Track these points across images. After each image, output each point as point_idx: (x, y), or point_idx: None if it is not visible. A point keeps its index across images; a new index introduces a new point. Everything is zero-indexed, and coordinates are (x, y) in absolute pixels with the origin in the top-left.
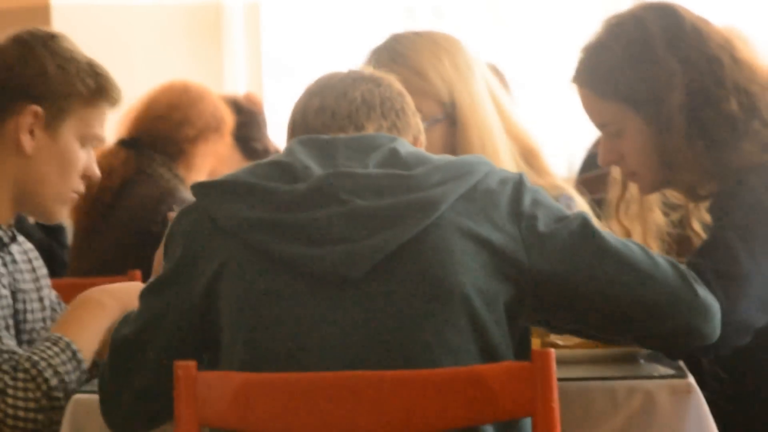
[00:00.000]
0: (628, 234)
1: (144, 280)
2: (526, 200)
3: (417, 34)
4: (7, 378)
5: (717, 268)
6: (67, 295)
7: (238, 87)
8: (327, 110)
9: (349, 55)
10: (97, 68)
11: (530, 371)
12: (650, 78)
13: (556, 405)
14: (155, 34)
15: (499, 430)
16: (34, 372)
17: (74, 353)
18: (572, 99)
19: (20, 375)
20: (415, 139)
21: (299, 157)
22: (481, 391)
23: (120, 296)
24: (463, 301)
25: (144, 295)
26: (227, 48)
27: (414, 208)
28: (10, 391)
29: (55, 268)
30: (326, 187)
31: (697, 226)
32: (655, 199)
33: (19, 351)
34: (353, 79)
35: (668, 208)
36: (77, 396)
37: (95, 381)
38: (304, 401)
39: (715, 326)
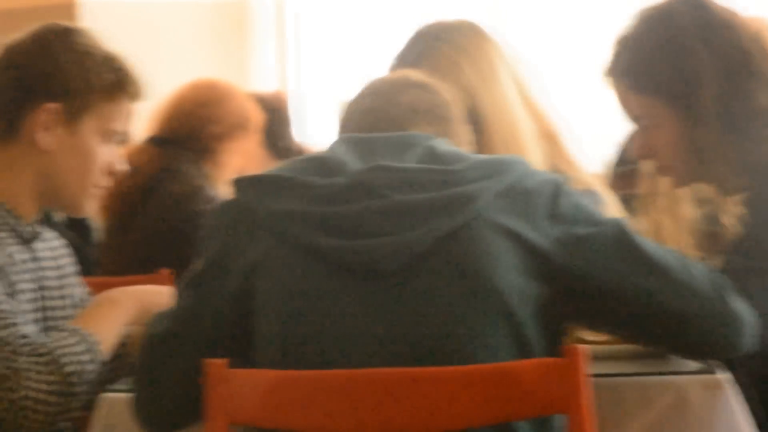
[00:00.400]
0: (658, 227)
1: (174, 278)
2: (564, 203)
3: (438, 38)
4: (22, 359)
5: (756, 266)
6: (95, 293)
7: (264, 84)
8: (374, 112)
9: (377, 51)
10: (116, 62)
11: (562, 367)
12: (682, 71)
13: (588, 401)
14: (182, 30)
15: (532, 426)
16: (50, 357)
17: (90, 345)
18: (606, 94)
19: (38, 359)
20: (460, 146)
21: (338, 152)
22: (513, 387)
23: (138, 297)
24: (499, 297)
25: (179, 291)
26: (254, 44)
27: (451, 204)
28: (24, 373)
29: (83, 267)
30: (364, 181)
31: (726, 220)
32: (685, 193)
33: (38, 338)
34: (402, 84)
35: (698, 202)
36: (107, 394)
37: (125, 380)
38: (337, 398)
39: (747, 338)
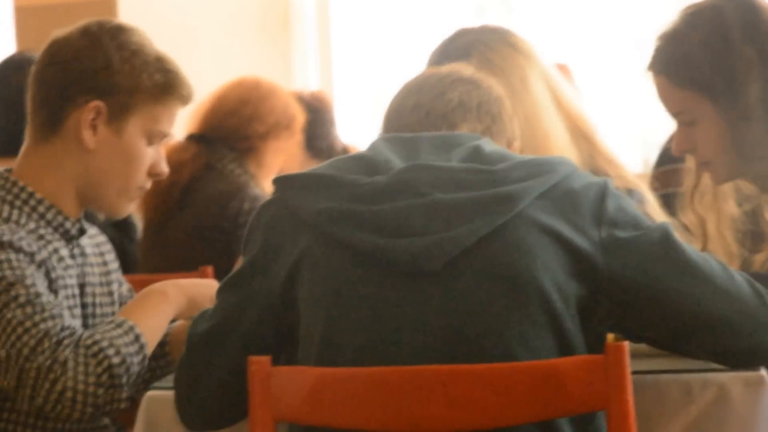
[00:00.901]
0: (702, 223)
1: (216, 277)
2: (609, 206)
3: (467, 52)
4: (67, 351)
5: None
6: (137, 290)
7: (307, 81)
8: (422, 109)
9: (418, 51)
10: (167, 63)
11: (604, 364)
12: (727, 68)
13: (630, 398)
14: (224, 27)
15: (574, 424)
16: (95, 349)
17: (137, 336)
18: (648, 94)
19: (82, 350)
20: (509, 143)
21: (381, 151)
22: (554, 384)
23: (187, 289)
24: (541, 296)
25: (222, 290)
26: (297, 42)
27: (494, 203)
28: (71, 365)
29: (125, 265)
30: (406, 179)
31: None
32: (729, 189)
33: (81, 329)
34: (453, 79)
35: (741, 199)
36: (151, 393)
37: (169, 377)
38: (379, 395)
39: None
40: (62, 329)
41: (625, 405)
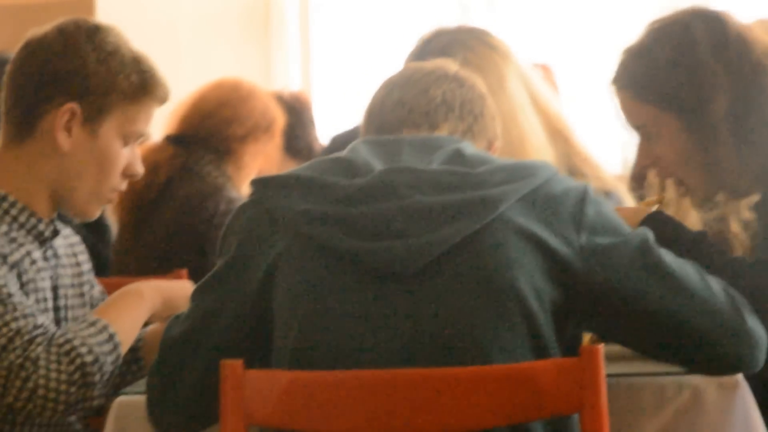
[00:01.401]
0: None
1: (190, 279)
2: (589, 211)
3: (444, 52)
4: (39, 349)
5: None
6: (109, 293)
7: (288, 81)
8: (405, 105)
9: (400, 52)
10: (143, 64)
11: (578, 367)
12: (694, 83)
13: (604, 401)
14: (204, 28)
15: (548, 427)
16: (68, 347)
17: (111, 335)
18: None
19: (54, 349)
20: (489, 143)
21: (361, 153)
22: (529, 387)
23: (162, 290)
24: (518, 299)
25: (197, 292)
26: (277, 42)
27: (474, 206)
28: (42, 363)
29: (99, 267)
30: (385, 181)
31: (736, 227)
32: (691, 202)
33: (54, 328)
34: (437, 76)
35: (707, 206)
36: (121, 398)
37: (139, 382)
38: (353, 399)
39: (761, 357)
40: (34, 327)
41: (600, 408)
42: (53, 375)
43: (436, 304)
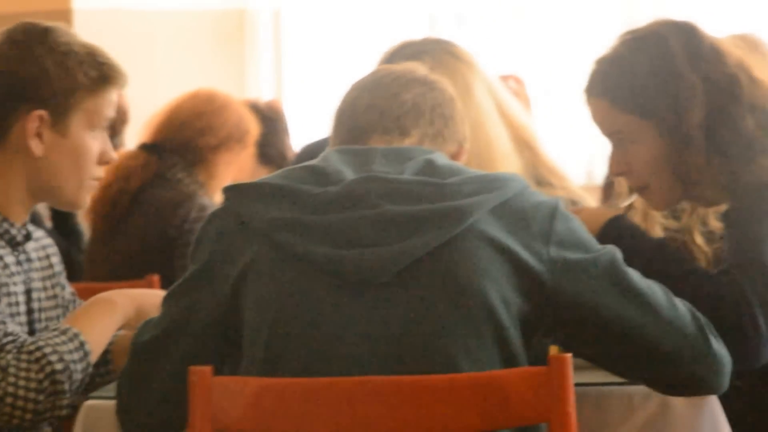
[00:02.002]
0: None
1: (162, 285)
2: (559, 226)
3: (412, 59)
4: (9, 357)
5: (757, 291)
6: (82, 298)
7: (259, 92)
8: (376, 109)
9: (369, 63)
10: (99, 56)
11: (547, 376)
12: (671, 93)
13: (572, 410)
14: (178, 39)
15: None
16: (38, 354)
17: (82, 344)
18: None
19: (24, 356)
20: (459, 145)
21: (333, 162)
22: (497, 396)
23: (134, 298)
24: (487, 309)
25: (168, 298)
26: (250, 54)
27: (445, 216)
28: (12, 370)
29: (71, 273)
30: (357, 190)
31: (699, 240)
32: (657, 214)
33: (25, 336)
34: (407, 80)
35: (671, 217)
36: (90, 402)
37: (108, 387)
38: (321, 406)
39: (725, 380)
40: (5, 335)
41: (568, 417)
42: (22, 383)
43: (406, 313)
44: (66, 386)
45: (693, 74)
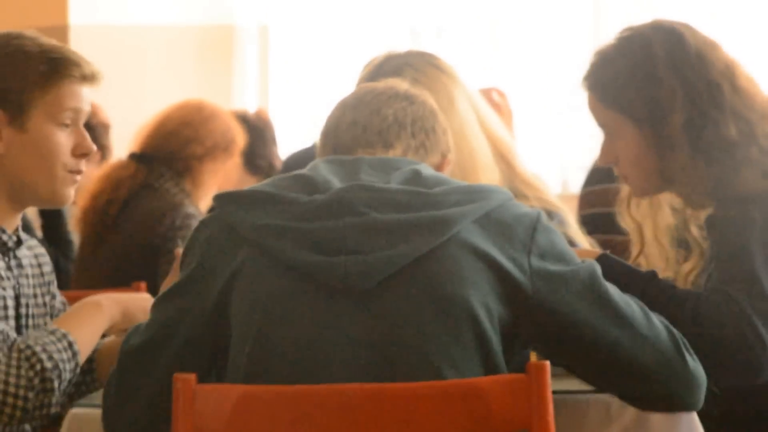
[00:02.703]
0: (639, 228)
1: (149, 292)
2: (540, 238)
3: (395, 73)
4: (0, 355)
5: (755, 305)
6: (71, 305)
7: (246, 105)
8: (359, 125)
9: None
10: (51, 51)
11: (526, 384)
12: (651, 97)
13: (550, 417)
14: (168, 53)
15: None
16: (28, 353)
17: (70, 344)
18: (567, 118)
19: (15, 354)
20: (443, 156)
21: (321, 171)
22: (478, 403)
23: (121, 302)
24: (470, 317)
25: (157, 304)
26: (237, 68)
27: (429, 225)
28: (2, 368)
29: (60, 281)
30: (344, 198)
31: (695, 231)
32: (665, 198)
33: (15, 335)
34: (388, 96)
35: (673, 210)
36: (75, 410)
37: (92, 395)
38: (304, 414)
39: (700, 397)
40: None
41: (546, 424)
42: (12, 380)
43: (390, 320)
44: (55, 384)
45: (674, 79)
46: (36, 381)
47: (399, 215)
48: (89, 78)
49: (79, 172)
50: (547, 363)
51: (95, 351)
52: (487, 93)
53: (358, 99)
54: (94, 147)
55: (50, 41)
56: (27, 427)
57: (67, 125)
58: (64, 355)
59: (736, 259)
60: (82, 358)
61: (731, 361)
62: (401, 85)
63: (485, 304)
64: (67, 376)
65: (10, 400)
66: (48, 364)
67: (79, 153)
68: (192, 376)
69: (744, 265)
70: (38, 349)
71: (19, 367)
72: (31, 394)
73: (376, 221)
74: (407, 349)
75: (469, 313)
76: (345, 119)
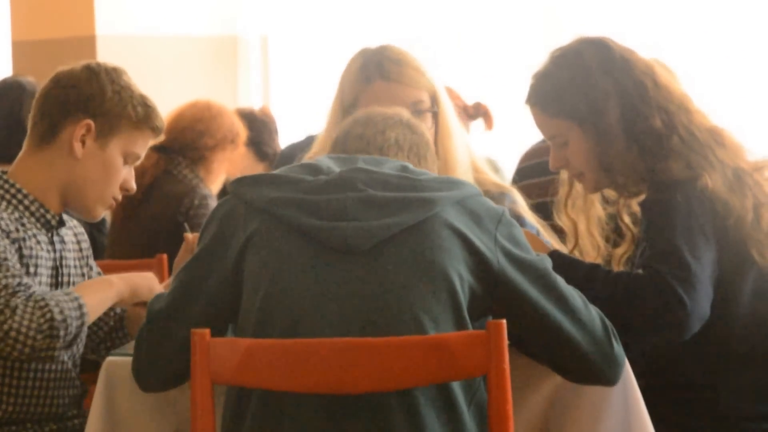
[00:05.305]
0: (574, 225)
1: (171, 263)
2: (503, 229)
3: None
4: (18, 301)
5: (675, 273)
6: (105, 273)
7: (249, 104)
8: (364, 139)
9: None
10: (148, 100)
11: (486, 338)
12: (589, 98)
13: (506, 366)
14: (181, 61)
15: (463, 386)
16: (42, 303)
17: (80, 305)
18: (522, 120)
19: (31, 303)
20: None
21: (324, 161)
22: (446, 354)
23: (128, 280)
24: (447, 281)
25: (180, 271)
26: (241, 73)
27: (417, 204)
28: (19, 311)
29: (95, 251)
30: (346, 177)
31: (627, 219)
32: (596, 196)
33: (36, 288)
34: (394, 121)
35: (605, 203)
36: (110, 358)
37: (124, 346)
38: (300, 363)
39: (618, 375)
40: (19, 284)
41: (503, 371)
42: (25, 323)
43: (381, 278)
44: (61, 332)
45: (606, 81)
46: (45, 327)
47: (392, 194)
48: (158, 132)
49: (117, 201)
50: (503, 321)
51: (124, 311)
52: (476, 107)
53: (369, 117)
54: (135, 187)
55: (142, 90)
56: (73, 374)
57: (127, 163)
58: (74, 313)
59: (661, 235)
60: (89, 319)
61: (660, 324)
62: (406, 114)
63: (458, 272)
64: (72, 330)
65: (21, 338)
66: (58, 316)
67: (124, 188)
68: (206, 331)
69: (667, 239)
70: (52, 303)
71: (32, 314)
72: (39, 336)
73: (372, 196)
74: (395, 300)
75: (445, 277)
76: (354, 132)
